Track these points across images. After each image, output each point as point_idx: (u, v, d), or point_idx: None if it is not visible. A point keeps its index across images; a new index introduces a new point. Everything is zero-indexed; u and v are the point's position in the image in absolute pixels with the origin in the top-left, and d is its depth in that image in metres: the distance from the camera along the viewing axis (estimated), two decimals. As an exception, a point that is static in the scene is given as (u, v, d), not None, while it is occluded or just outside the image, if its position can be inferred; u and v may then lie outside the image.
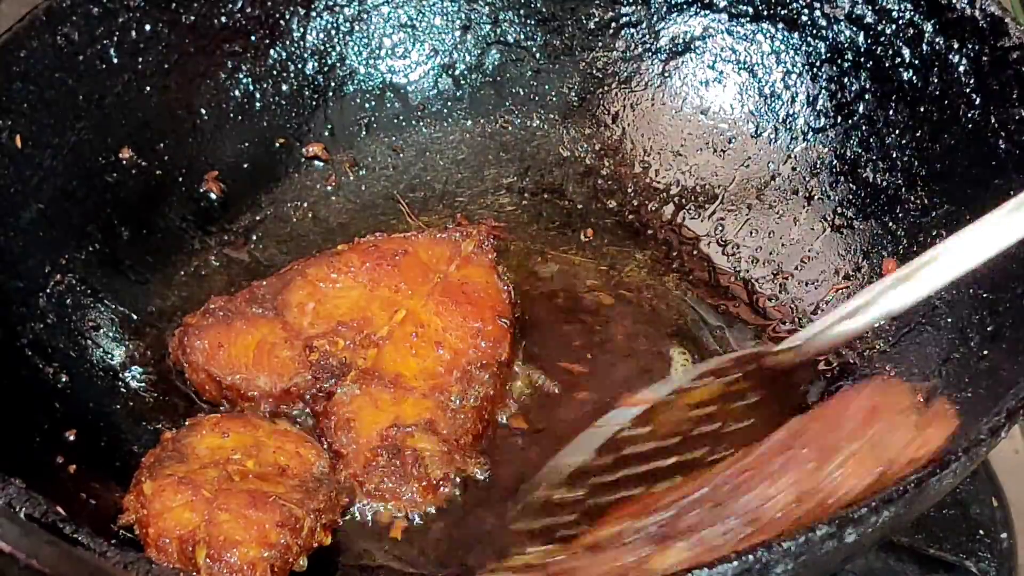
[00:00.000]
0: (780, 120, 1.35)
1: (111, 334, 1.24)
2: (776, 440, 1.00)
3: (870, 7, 1.27)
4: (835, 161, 1.31)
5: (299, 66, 1.38)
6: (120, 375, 1.22)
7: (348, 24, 1.40)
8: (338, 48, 1.40)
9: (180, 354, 1.21)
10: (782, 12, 1.35)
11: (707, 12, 1.38)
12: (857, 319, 1.07)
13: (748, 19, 1.37)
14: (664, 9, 1.40)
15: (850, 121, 1.30)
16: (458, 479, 1.15)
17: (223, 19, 1.34)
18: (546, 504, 1.08)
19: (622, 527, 1.00)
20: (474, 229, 1.29)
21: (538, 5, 1.41)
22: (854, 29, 1.29)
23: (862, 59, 1.29)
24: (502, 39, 1.42)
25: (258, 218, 1.36)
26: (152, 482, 1.07)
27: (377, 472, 1.13)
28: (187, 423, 1.16)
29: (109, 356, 1.23)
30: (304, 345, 1.20)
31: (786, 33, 1.35)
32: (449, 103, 1.42)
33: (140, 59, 1.30)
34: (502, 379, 1.21)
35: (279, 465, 1.11)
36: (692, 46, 1.39)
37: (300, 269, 1.25)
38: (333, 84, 1.39)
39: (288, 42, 1.38)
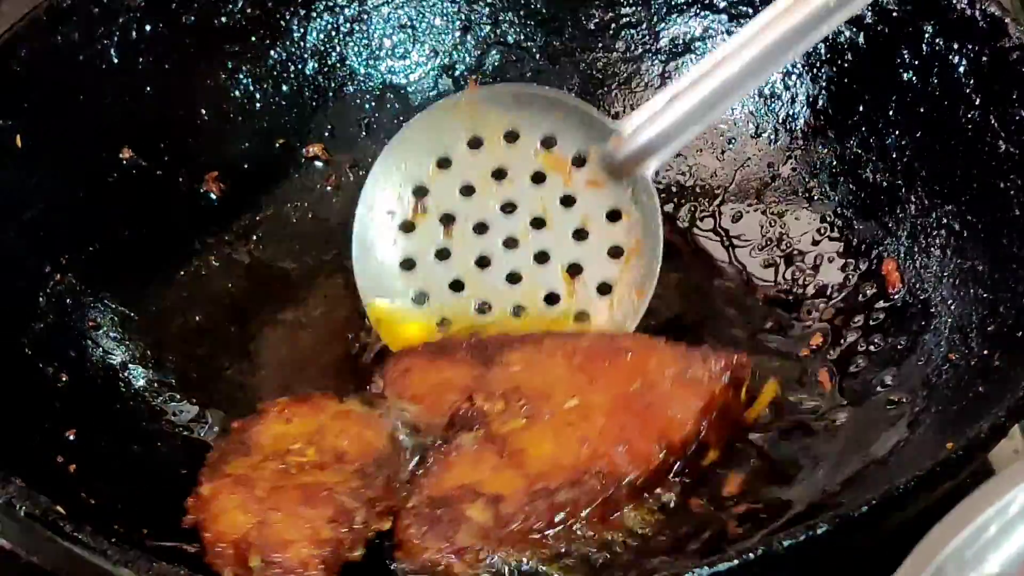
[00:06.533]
0: (780, 121, 1.35)
1: (111, 334, 1.24)
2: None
3: (870, 7, 1.27)
4: (835, 161, 1.31)
5: (299, 66, 1.38)
6: (120, 375, 1.22)
7: (348, 25, 1.39)
8: (338, 49, 1.40)
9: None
10: (782, 13, 1.34)
11: (707, 13, 1.38)
12: (675, 107, 1.20)
13: (748, 20, 1.36)
14: (664, 10, 1.40)
15: (850, 121, 1.30)
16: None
17: (223, 19, 1.34)
18: None
19: None
20: (723, 359, 1.12)
21: (538, 6, 1.41)
22: (854, 30, 1.29)
23: (862, 59, 1.29)
24: (502, 40, 1.41)
25: (258, 218, 1.36)
26: (209, 484, 1.07)
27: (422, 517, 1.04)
28: (258, 409, 1.15)
29: (109, 356, 1.23)
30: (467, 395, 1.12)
31: (786, 34, 1.35)
32: (449, 104, 1.42)
33: (140, 59, 1.30)
34: (611, 506, 1.05)
35: (338, 451, 1.09)
36: (692, 47, 1.39)
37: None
38: (333, 84, 1.39)
39: (288, 42, 1.38)
